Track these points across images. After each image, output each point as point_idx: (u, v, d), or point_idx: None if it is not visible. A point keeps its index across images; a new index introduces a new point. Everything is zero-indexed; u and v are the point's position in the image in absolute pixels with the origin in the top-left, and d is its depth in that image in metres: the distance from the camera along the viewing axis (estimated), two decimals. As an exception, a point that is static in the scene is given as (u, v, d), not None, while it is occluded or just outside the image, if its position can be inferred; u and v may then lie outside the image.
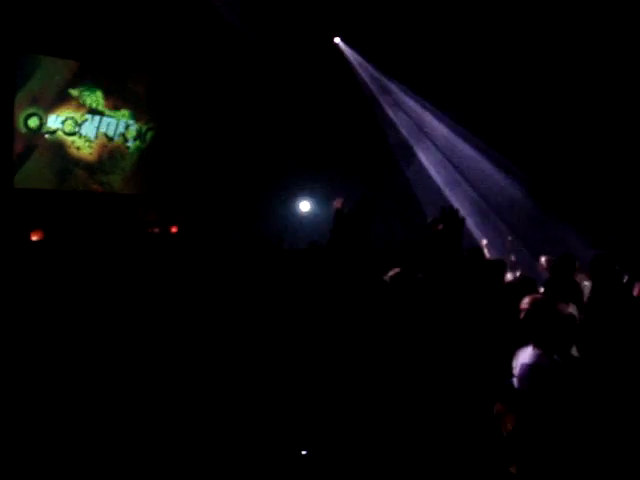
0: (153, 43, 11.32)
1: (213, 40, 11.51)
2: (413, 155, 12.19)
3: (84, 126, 11.53)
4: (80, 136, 11.52)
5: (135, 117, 12.19)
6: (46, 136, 11.12)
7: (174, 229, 11.97)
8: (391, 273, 4.14)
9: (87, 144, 11.62)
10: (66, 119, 11.31)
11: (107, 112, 11.80)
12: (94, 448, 3.98)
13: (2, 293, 6.16)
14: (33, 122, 10.95)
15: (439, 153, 11.98)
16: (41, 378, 4.59)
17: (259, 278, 5.72)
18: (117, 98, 11.93)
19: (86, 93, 11.53)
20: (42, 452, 3.87)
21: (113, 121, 11.90)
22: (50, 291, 6.23)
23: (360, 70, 12.43)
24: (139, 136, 12.27)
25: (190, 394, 4.60)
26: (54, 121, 11.17)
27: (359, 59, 12.38)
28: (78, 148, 11.53)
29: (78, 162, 11.56)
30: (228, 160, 12.21)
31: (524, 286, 4.73)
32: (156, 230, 11.97)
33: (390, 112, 12.38)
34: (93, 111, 11.63)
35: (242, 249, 8.14)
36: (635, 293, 5.74)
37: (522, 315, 3.65)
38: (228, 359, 4.83)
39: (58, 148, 11.30)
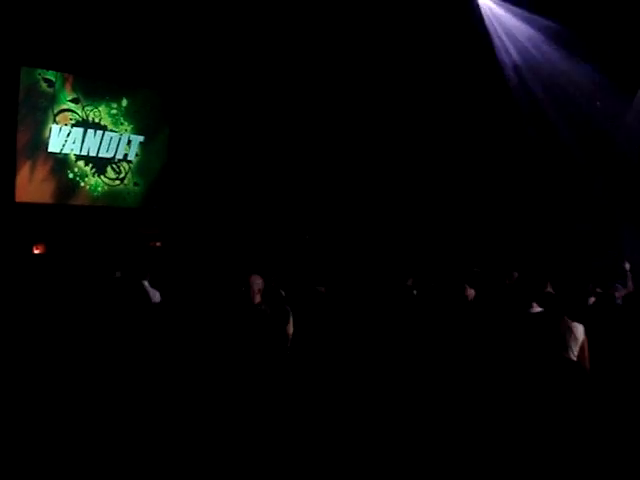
0: (155, 57, 11.39)
1: (216, 53, 11.58)
2: None
3: (86, 140, 11.59)
4: (82, 150, 11.58)
5: (137, 131, 12.26)
6: (48, 150, 11.18)
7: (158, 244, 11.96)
8: None
9: (89, 158, 11.68)
10: (68, 134, 11.37)
11: (109, 126, 11.87)
12: (91, 450, 3.97)
13: (5, 305, 6.17)
14: (35, 136, 11.02)
15: None
16: (41, 387, 4.59)
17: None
18: (119, 112, 12.01)
19: (89, 108, 11.60)
20: (42, 452, 3.87)
21: (116, 135, 11.96)
22: (51, 303, 6.25)
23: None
24: (141, 150, 12.33)
25: (190, 400, 4.60)
26: (56, 135, 11.23)
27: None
28: (80, 162, 11.58)
29: (80, 176, 11.61)
30: (231, 172, 12.24)
31: None
32: (157, 244, 12.00)
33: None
34: (95, 125, 11.69)
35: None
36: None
37: None
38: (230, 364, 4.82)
39: (60, 162, 11.35)
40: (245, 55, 11.52)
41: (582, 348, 4.68)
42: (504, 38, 11.02)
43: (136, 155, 12.28)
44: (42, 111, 11.06)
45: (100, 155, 11.81)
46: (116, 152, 12.02)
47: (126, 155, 12.16)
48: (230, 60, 11.64)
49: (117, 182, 12.07)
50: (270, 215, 12.32)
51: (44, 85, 11.05)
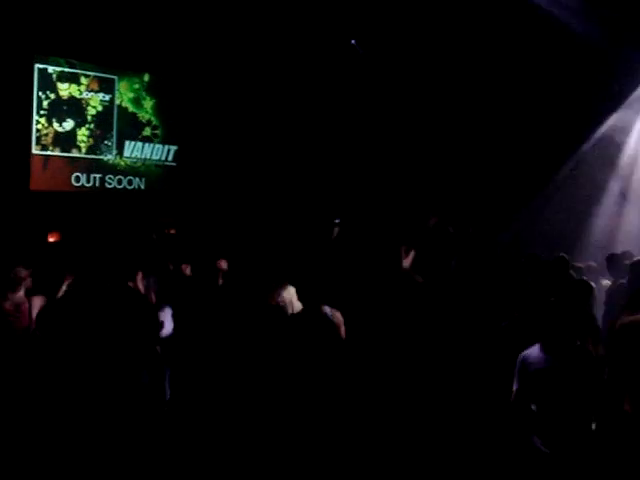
0: (169, 45, 11.35)
1: (226, 44, 11.50)
2: None
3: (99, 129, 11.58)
4: (95, 139, 11.57)
5: (150, 120, 12.23)
6: (62, 138, 11.17)
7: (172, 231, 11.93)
8: None
9: (102, 147, 11.67)
10: (82, 121, 11.36)
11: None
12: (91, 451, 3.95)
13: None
14: (50, 124, 11.01)
15: None
16: (53, 377, 4.57)
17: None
18: (133, 100, 11.97)
19: (102, 95, 11.58)
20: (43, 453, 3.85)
21: (128, 123, 11.96)
22: (66, 291, 6.22)
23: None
24: (154, 137, 12.30)
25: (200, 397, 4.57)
26: (70, 123, 11.22)
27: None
28: (93, 151, 11.57)
29: (94, 164, 11.60)
30: (246, 159, 12.20)
31: None
32: (172, 231, 11.98)
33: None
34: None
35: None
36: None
37: None
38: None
39: (74, 150, 11.35)
40: (252, 44, 11.43)
41: None
42: None
43: (149, 143, 12.26)
44: (56, 99, 11.05)
45: (114, 143, 11.82)
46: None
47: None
48: (239, 48, 11.57)
49: (130, 170, 12.06)
50: (287, 202, 12.25)
51: (57, 73, 11.03)
